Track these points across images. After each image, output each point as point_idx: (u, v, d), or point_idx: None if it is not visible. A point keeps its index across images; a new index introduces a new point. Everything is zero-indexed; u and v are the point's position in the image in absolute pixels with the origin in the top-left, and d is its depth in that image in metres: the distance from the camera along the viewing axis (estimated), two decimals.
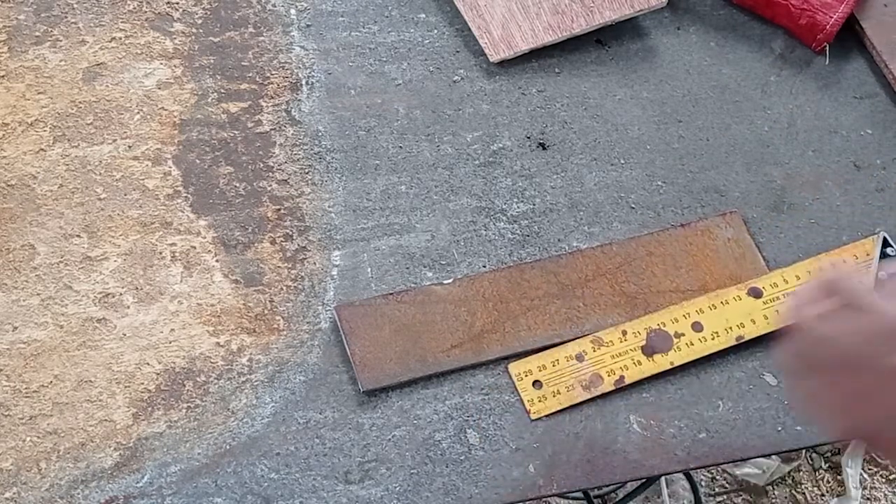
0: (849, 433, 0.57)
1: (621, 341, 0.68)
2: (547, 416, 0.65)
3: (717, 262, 0.71)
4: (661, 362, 0.67)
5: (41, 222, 0.69)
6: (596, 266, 0.70)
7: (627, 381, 0.67)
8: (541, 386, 0.66)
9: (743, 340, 0.68)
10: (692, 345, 0.68)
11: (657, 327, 0.68)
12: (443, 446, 0.64)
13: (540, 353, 0.67)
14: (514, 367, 0.67)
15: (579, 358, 0.67)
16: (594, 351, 0.67)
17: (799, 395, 0.57)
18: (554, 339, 0.68)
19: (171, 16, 0.79)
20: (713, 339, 0.68)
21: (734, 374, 0.68)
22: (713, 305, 0.69)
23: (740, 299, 0.69)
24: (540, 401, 0.66)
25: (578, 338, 0.68)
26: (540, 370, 0.67)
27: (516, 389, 0.66)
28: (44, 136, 0.72)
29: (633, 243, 0.72)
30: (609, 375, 0.67)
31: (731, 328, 0.68)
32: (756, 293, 0.69)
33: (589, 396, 0.66)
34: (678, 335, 0.68)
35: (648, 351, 0.67)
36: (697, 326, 0.68)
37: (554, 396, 0.66)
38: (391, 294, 0.68)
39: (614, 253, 0.71)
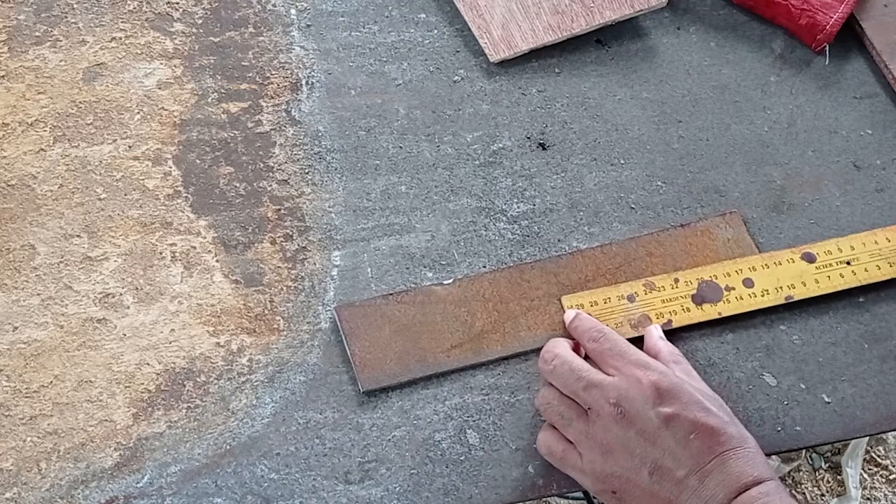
0: (602, 481, 0.60)
1: (672, 287, 0.69)
2: None
3: (717, 262, 0.71)
4: (710, 311, 0.68)
5: (41, 222, 0.69)
6: (596, 266, 0.70)
7: (675, 325, 0.68)
8: None
9: (792, 300, 0.69)
10: (741, 299, 0.69)
11: (709, 279, 0.69)
12: (443, 446, 0.64)
13: (593, 290, 0.69)
14: (567, 300, 0.68)
15: (630, 298, 0.68)
16: (645, 294, 0.68)
17: (553, 440, 0.63)
18: None
19: (171, 16, 0.79)
20: (763, 295, 0.69)
21: (734, 374, 0.68)
22: (766, 265, 0.70)
23: (793, 262, 0.70)
24: None
25: (631, 280, 0.69)
26: (591, 305, 0.68)
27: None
28: (44, 136, 0.73)
29: (632, 243, 0.72)
30: (658, 318, 0.68)
31: (781, 287, 0.69)
32: (809, 258, 0.70)
33: (636, 335, 0.67)
34: (729, 288, 0.69)
35: (698, 300, 0.68)
36: (748, 282, 0.69)
37: None
38: (391, 294, 0.68)
39: (614, 253, 0.71)
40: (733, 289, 0.69)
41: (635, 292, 0.69)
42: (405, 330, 0.67)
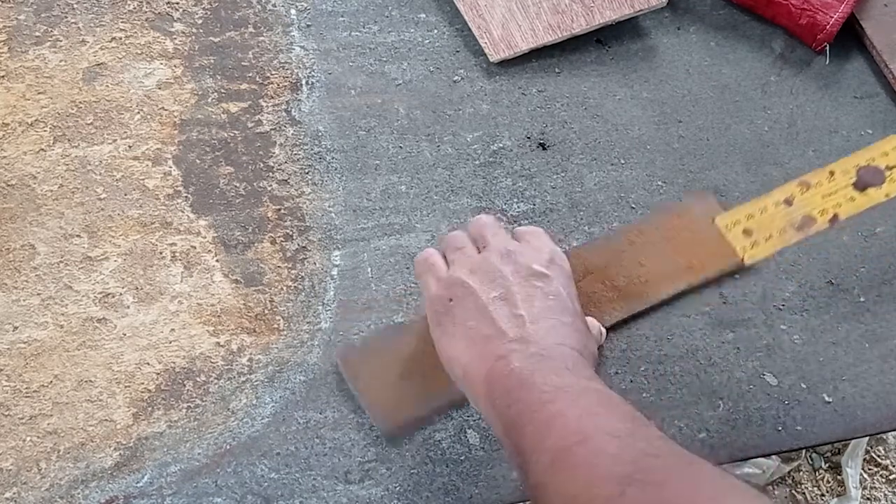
0: (449, 287, 0.60)
1: (829, 181, 0.66)
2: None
3: (698, 241, 0.71)
4: (875, 196, 0.66)
5: (41, 222, 0.69)
6: (584, 266, 0.70)
7: (842, 217, 0.65)
8: (751, 234, 0.65)
9: None
10: None
11: (866, 164, 0.67)
12: (443, 446, 0.64)
13: (744, 204, 0.67)
14: (722, 220, 0.67)
15: (787, 202, 0.66)
16: (802, 194, 0.66)
17: (433, 250, 0.62)
18: None
19: (171, 16, 0.79)
20: None
21: (734, 374, 0.68)
22: None
23: None
24: (753, 247, 0.65)
25: (783, 184, 0.67)
26: (748, 219, 0.66)
27: (725, 239, 0.66)
28: (44, 136, 0.72)
29: (614, 235, 0.71)
30: (822, 215, 0.65)
31: None
32: None
33: (803, 237, 0.65)
34: (889, 168, 0.66)
35: (860, 186, 0.66)
36: None
37: (766, 241, 0.65)
38: (389, 327, 0.67)
39: (599, 248, 0.71)
40: (895, 167, 0.66)
41: (791, 195, 0.66)
42: (410, 364, 0.65)
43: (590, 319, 0.64)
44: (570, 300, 0.59)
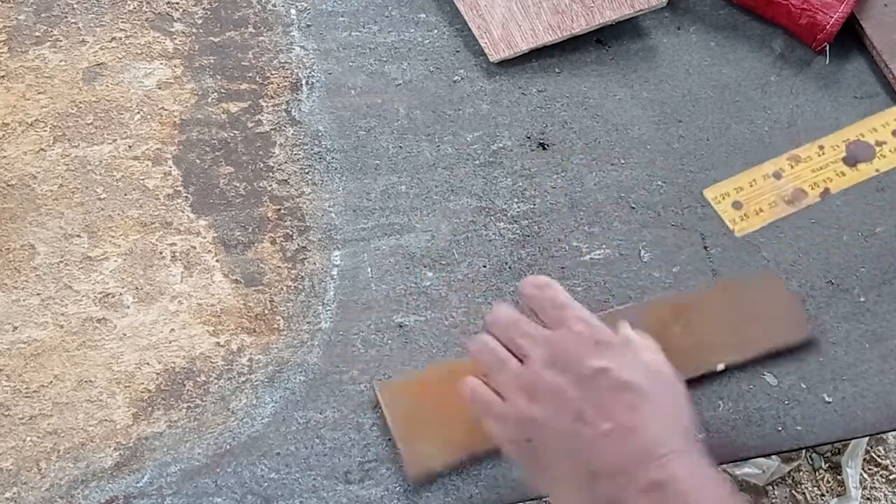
0: (521, 426, 0.57)
1: (819, 155, 0.67)
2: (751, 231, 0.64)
3: (760, 315, 0.68)
4: (866, 170, 0.66)
5: (41, 222, 0.69)
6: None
7: (833, 191, 0.65)
8: (741, 206, 0.65)
9: None
10: None
11: (855, 139, 0.67)
12: None
13: (733, 177, 0.66)
14: (710, 192, 0.66)
15: (777, 176, 0.66)
16: (792, 168, 0.67)
17: (480, 384, 0.59)
18: None
19: (171, 16, 0.79)
20: None
21: (734, 373, 0.68)
22: None
23: None
24: (742, 219, 0.64)
25: (773, 157, 0.66)
26: (737, 192, 0.66)
27: (715, 212, 0.64)
28: (44, 136, 0.72)
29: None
30: (812, 189, 0.66)
31: None
32: None
33: (793, 210, 0.64)
34: (879, 143, 0.67)
35: (850, 161, 0.67)
36: None
37: (757, 214, 0.65)
38: (436, 364, 0.65)
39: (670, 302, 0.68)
40: (885, 142, 0.66)
41: (780, 168, 0.66)
42: (452, 408, 0.61)
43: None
44: (647, 377, 0.55)
